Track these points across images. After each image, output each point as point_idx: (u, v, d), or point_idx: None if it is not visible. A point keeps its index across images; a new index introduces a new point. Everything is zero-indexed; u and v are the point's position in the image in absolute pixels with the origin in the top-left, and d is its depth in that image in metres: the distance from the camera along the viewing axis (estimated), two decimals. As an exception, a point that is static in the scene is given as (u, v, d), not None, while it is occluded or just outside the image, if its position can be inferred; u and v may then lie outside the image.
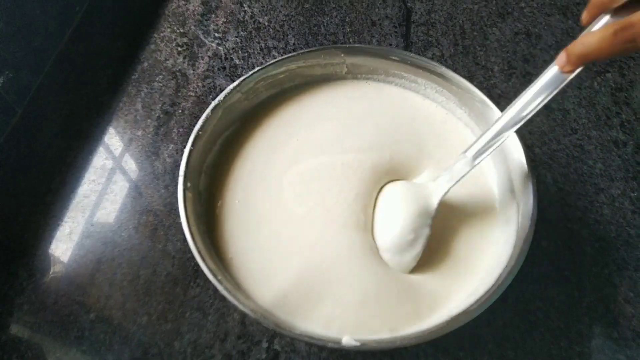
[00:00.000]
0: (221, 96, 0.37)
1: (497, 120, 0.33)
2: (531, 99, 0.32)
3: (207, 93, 0.50)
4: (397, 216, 0.34)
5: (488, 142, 0.33)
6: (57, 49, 0.53)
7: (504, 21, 0.56)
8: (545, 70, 0.31)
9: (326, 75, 0.42)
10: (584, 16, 0.29)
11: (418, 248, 0.33)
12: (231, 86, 0.38)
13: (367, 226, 0.35)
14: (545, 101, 0.31)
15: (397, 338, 0.28)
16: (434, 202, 0.34)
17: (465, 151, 0.34)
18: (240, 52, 0.53)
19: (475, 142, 0.34)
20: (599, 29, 0.27)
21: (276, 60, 0.39)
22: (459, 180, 0.34)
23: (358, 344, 0.28)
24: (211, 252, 0.33)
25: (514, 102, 0.33)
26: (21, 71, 0.48)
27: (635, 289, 0.38)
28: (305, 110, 0.41)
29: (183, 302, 0.38)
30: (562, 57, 0.29)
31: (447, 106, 0.40)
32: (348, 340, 0.28)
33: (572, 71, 0.29)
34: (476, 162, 0.34)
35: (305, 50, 0.40)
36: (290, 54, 0.40)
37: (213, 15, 0.57)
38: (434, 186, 0.35)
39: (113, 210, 0.43)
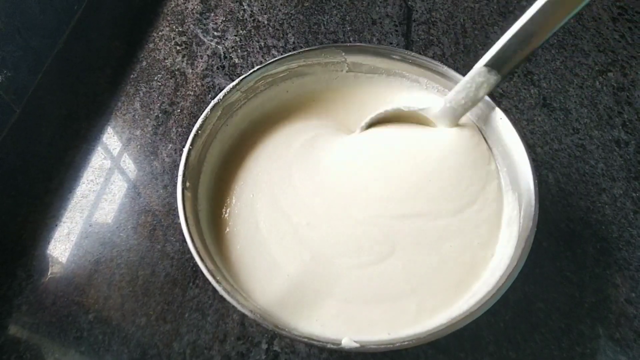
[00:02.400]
0: (221, 95, 0.37)
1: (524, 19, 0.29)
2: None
3: (206, 92, 0.50)
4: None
5: (523, 50, 0.28)
6: (56, 48, 0.52)
7: (506, 20, 0.55)
8: None
9: (327, 75, 0.42)
10: None
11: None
12: (231, 85, 0.38)
13: (368, 220, 0.35)
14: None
15: (397, 340, 0.28)
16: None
17: (488, 64, 0.30)
18: (239, 50, 0.53)
19: (497, 49, 0.30)
20: None
21: (277, 58, 0.39)
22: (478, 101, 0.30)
23: (357, 345, 0.28)
24: (210, 252, 0.33)
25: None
26: (20, 70, 0.47)
27: (637, 290, 0.38)
28: (306, 110, 0.41)
29: (182, 303, 0.37)
30: None
31: None
32: (347, 341, 0.28)
33: None
34: (501, 75, 0.29)
35: (306, 48, 0.40)
36: (291, 53, 0.39)
37: (212, 14, 0.56)
38: (440, 113, 0.31)
39: (111, 211, 0.42)
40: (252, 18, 0.56)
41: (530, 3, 0.60)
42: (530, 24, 0.29)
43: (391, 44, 0.53)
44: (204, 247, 0.32)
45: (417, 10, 0.56)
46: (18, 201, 0.43)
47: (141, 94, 0.50)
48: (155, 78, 0.51)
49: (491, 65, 0.31)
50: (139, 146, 0.46)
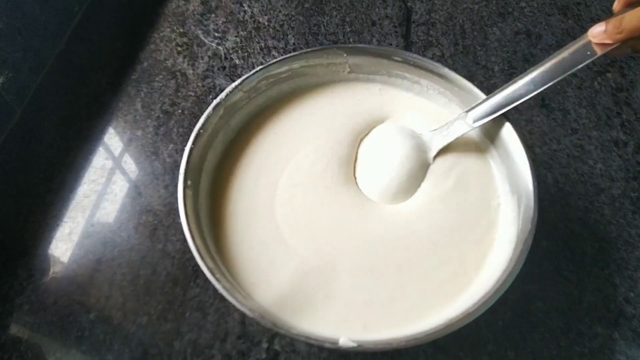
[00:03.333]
0: (223, 95, 0.37)
1: (504, 88, 0.34)
2: (544, 74, 0.32)
3: (207, 93, 0.50)
4: (391, 163, 0.36)
5: (492, 108, 0.34)
6: (57, 49, 0.53)
7: (505, 21, 0.56)
8: (567, 46, 0.31)
9: (329, 75, 0.42)
10: (615, 5, 0.28)
11: (412, 192, 0.36)
12: (233, 85, 0.38)
13: (368, 221, 0.35)
14: (558, 80, 0.31)
15: (395, 340, 0.28)
16: (430, 156, 0.36)
17: (468, 111, 0.36)
18: (240, 51, 0.53)
19: (478, 105, 0.35)
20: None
21: (279, 59, 0.39)
22: (455, 139, 0.36)
23: (355, 344, 0.28)
24: (210, 250, 0.33)
25: (526, 73, 0.33)
26: (21, 71, 0.48)
27: (635, 289, 0.38)
28: (304, 114, 0.41)
29: (183, 302, 0.38)
30: (599, 28, 0.28)
31: (449, 108, 0.40)
32: (345, 340, 0.28)
33: (604, 47, 0.28)
34: (475, 125, 0.35)
35: (308, 49, 0.40)
36: (293, 53, 0.40)
37: (213, 15, 0.57)
38: (430, 138, 0.37)
39: (113, 211, 0.43)
40: (253, 19, 0.56)
41: (529, 4, 0.60)
42: (510, 96, 0.33)
43: (391, 45, 0.54)
44: (204, 245, 0.32)
45: (416, 12, 0.57)
46: (19, 201, 0.43)
47: (142, 95, 0.50)
48: (156, 79, 0.51)
49: (470, 114, 0.35)
50: (140, 146, 0.46)
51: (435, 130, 0.37)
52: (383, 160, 0.37)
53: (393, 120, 0.41)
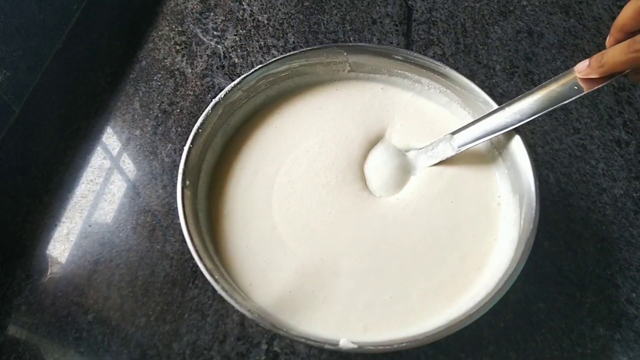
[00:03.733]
0: (222, 94, 0.37)
1: (491, 114, 0.34)
2: (532, 105, 0.32)
3: (206, 92, 0.50)
4: (383, 171, 0.37)
5: (478, 134, 0.35)
6: (55, 48, 0.52)
7: (506, 19, 0.55)
8: (556, 77, 0.31)
9: (329, 74, 0.42)
10: (608, 40, 0.29)
11: (400, 189, 0.37)
12: (232, 84, 0.37)
13: (368, 221, 0.35)
14: (544, 112, 0.31)
15: (396, 341, 0.28)
16: (410, 175, 0.37)
17: (454, 133, 0.36)
18: (239, 50, 0.53)
19: (464, 129, 0.36)
20: (618, 44, 0.28)
21: (278, 58, 0.39)
22: (438, 161, 0.36)
23: (355, 346, 0.27)
24: (209, 251, 0.33)
25: (513, 101, 0.33)
26: (19, 70, 0.47)
27: (637, 290, 0.38)
28: (306, 110, 0.41)
29: (182, 303, 0.37)
30: (584, 64, 0.29)
31: (450, 107, 0.40)
32: (345, 342, 0.28)
33: (590, 83, 0.29)
34: (459, 149, 0.35)
35: (308, 48, 0.40)
36: (292, 52, 0.39)
37: (212, 14, 0.56)
38: (414, 157, 0.38)
39: (111, 211, 0.42)
40: (252, 17, 0.56)
41: (530, 3, 0.59)
42: (496, 123, 0.34)
43: (391, 43, 0.53)
44: (203, 246, 0.32)
45: (417, 10, 0.56)
46: (17, 201, 0.43)
47: (140, 94, 0.50)
48: (155, 78, 0.51)
49: (456, 137, 0.36)
50: (138, 146, 0.46)
51: (421, 149, 0.38)
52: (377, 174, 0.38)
53: (396, 119, 0.40)
